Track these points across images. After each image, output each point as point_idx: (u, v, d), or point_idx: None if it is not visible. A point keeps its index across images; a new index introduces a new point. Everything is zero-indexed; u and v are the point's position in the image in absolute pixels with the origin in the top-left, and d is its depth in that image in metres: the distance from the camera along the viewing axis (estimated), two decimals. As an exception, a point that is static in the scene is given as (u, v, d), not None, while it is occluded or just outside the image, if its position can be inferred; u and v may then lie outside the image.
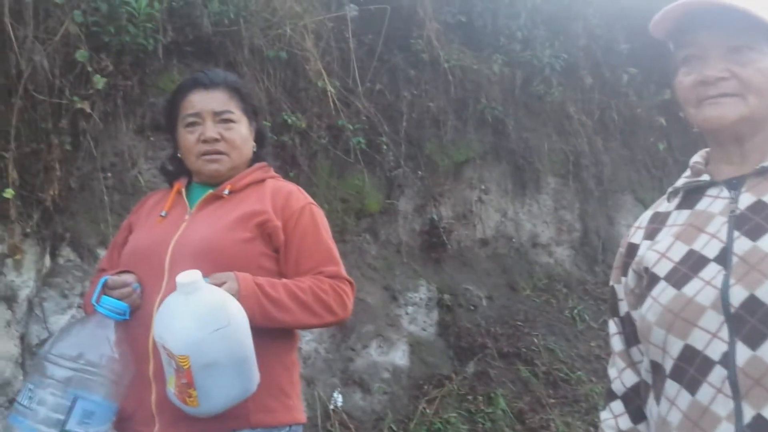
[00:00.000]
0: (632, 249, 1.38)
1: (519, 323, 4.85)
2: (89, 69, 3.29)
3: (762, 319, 1.11)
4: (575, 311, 5.10)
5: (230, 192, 1.92)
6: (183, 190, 1.97)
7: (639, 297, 1.32)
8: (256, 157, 2.03)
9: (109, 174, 3.40)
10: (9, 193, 2.95)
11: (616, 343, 1.41)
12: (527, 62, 5.40)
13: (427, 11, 4.94)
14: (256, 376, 1.69)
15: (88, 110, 3.28)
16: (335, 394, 3.82)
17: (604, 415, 1.44)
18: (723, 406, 1.13)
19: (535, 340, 4.71)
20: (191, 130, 1.93)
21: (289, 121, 4.04)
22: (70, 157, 3.26)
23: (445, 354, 4.50)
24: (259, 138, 2.06)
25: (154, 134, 3.54)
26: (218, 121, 1.92)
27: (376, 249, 4.51)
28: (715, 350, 1.14)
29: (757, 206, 1.21)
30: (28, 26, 3.15)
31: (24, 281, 3.03)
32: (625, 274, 1.39)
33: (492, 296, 4.94)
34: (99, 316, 1.72)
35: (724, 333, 1.14)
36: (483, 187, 5.20)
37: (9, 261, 3.00)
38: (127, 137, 3.48)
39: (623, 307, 1.39)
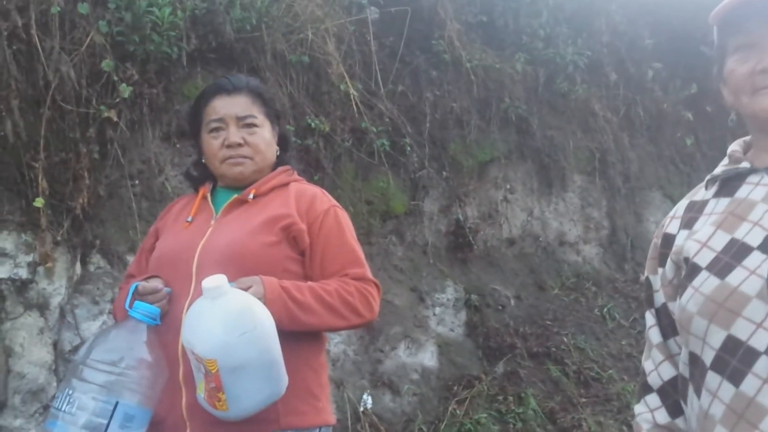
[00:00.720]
0: (668, 239, 1.36)
1: (548, 322, 4.81)
2: (115, 78, 3.33)
3: None
4: (605, 309, 5.04)
5: (255, 196, 1.93)
6: (208, 196, 1.99)
7: (677, 288, 1.30)
8: (280, 161, 2.05)
9: (137, 181, 3.44)
10: (39, 202, 3.00)
11: (654, 335, 1.39)
12: (550, 60, 5.37)
13: (447, 12, 4.93)
14: (284, 379, 1.70)
15: (115, 119, 3.32)
16: (365, 396, 3.82)
17: (639, 408, 1.40)
18: None
19: (565, 339, 4.67)
20: (215, 135, 1.94)
21: (313, 124, 4.05)
22: (98, 165, 3.30)
23: (473, 354, 4.48)
24: (282, 142, 2.08)
25: (180, 141, 3.57)
26: (241, 126, 1.94)
27: (402, 251, 4.51)
28: (761, 340, 1.12)
29: None
30: (54, 38, 3.20)
31: (56, 289, 3.07)
32: (661, 264, 1.36)
33: (520, 296, 4.91)
34: (132, 322, 1.74)
35: None
36: (508, 186, 5.17)
37: (41, 269, 3.05)
38: (154, 144, 3.52)
39: (659, 299, 1.37)
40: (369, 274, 1.93)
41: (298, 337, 1.79)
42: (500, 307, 4.74)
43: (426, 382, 4.13)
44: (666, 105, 6.01)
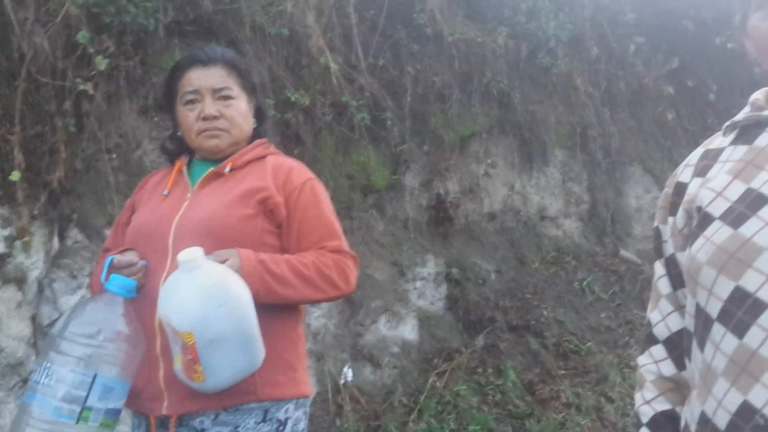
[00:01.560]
0: (681, 188, 1.31)
1: (528, 296, 4.86)
2: (91, 50, 3.29)
3: None
4: (584, 283, 5.10)
5: (231, 169, 1.91)
6: (185, 169, 1.97)
7: (687, 238, 1.26)
8: (257, 134, 2.03)
9: (114, 155, 3.41)
10: (15, 175, 2.97)
11: (663, 285, 1.35)
12: (532, 34, 5.35)
13: (429, -16, 4.89)
14: (261, 351, 1.70)
15: (91, 92, 3.29)
16: (345, 369, 3.85)
17: (642, 359, 1.38)
18: None
19: (545, 313, 4.72)
20: (191, 107, 1.92)
21: (293, 98, 4.03)
22: (75, 138, 3.27)
23: (454, 328, 4.52)
24: (259, 115, 2.06)
25: (158, 114, 3.54)
26: (217, 98, 1.92)
27: (383, 225, 4.51)
28: None
29: None
30: (28, 9, 3.15)
31: (33, 263, 3.05)
32: (672, 213, 1.32)
33: (500, 270, 4.94)
34: (109, 295, 1.74)
35: None
36: (489, 161, 5.18)
37: (18, 243, 3.03)
38: (131, 118, 3.48)
39: (668, 249, 1.33)
40: (346, 246, 1.93)
41: (275, 309, 1.79)
42: (481, 281, 4.77)
43: (406, 355, 4.16)
44: (647, 80, 6.02)
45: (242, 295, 1.64)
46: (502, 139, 5.27)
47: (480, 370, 4.24)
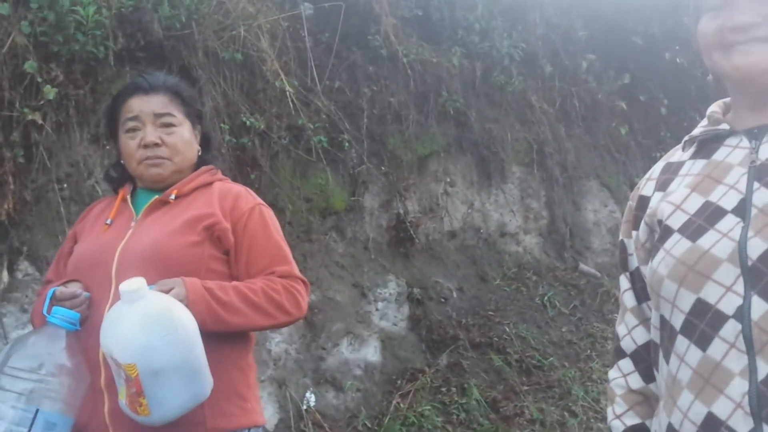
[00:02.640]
0: (643, 201, 1.33)
1: (490, 313, 4.87)
2: (39, 80, 3.24)
3: None
4: (545, 298, 5.13)
5: (177, 197, 1.89)
6: (128, 197, 1.95)
7: (650, 251, 1.27)
8: (202, 161, 2.01)
9: (65, 185, 3.35)
10: (-39, 209, 2.90)
11: (628, 299, 1.36)
12: (486, 53, 5.43)
13: (383, 6, 4.93)
14: (208, 381, 1.68)
15: (40, 121, 3.24)
16: (308, 394, 3.81)
17: (612, 374, 1.39)
18: (736, 362, 1.08)
19: (507, 329, 4.74)
20: (132, 135, 1.90)
21: (248, 122, 4.02)
22: (24, 169, 3.21)
23: (417, 348, 4.51)
24: (205, 142, 2.04)
25: (109, 142, 3.49)
26: (159, 125, 1.90)
27: (344, 247, 4.50)
28: (729, 304, 1.10)
29: None
30: (-27, 39, 3.10)
31: (-18, 298, 2.98)
32: (635, 227, 1.33)
33: (462, 288, 4.95)
34: (51, 327, 1.70)
35: (740, 286, 1.09)
36: (448, 179, 5.21)
37: (-35, 278, 2.96)
38: (82, 147, 3.43)
39: (633, 263, 1.35)
40: (296, 271, 1.91)
41: (223, 338, 1.77)
42: (443, 300, 4.78)
43: (369, 377, 4.14)
44: (600, 95, 6.14)
45: (187, 324, 1.62)
46: (460, 158, 5.31)
47: (444, 389, 4.23)
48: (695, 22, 1.27)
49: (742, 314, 1.08)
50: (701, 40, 1.25)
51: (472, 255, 5.22)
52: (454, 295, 4.87)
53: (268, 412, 3.63)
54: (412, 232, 4.80)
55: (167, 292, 1.66)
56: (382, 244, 4.73)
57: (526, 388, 4.39)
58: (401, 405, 4.03)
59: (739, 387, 1.07)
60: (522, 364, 4.56)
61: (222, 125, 3.92)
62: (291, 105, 4.25)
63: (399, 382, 4.21)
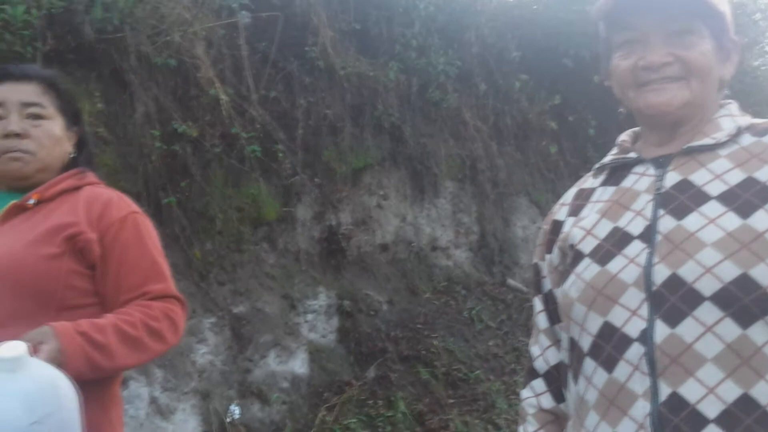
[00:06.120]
0: (557, 226, 1.37)
1: (419, 326, 4.93)
2: (-40, 78, 3.13)
3: (683, 298, 1.10)
4: (473, 312, 5.22)
5: (38, 202, 1.66)
6: None
7: (562, 274, 1.31)
8: (74, 165, 1.78)
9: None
10: None
11: (541, 320, 1.39)
12: (422, 69, 5.50)
13: (321, 19, 4.95)
14: None
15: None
16: (232, 407, 3.77)
17: (524, 393, 1.42)
18: (639, 384, 1.12)
19: (435, 342, 4.80)
20: None
21: (180, 129, 3.96)
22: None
23: (345, 360, 4.52)
24: (81, 144, 1.82)
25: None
26: (26, 115, 1.68)
27: (275, 257, 4.48)
28: (634, 327, 1.13)
29: (682, 185, 1.20)
30: None
31: None
32: (549, 251, 1.37)
33: (392, 300, 4.99)
34: None
35: (644, 311, 1.13)
36: (382, 192, 5.25)
37: None
38: None
39: (546, 285, 1.38)
40: (173, 289, 1.70)
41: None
42: (372, 313, 4.81)
43: (296, 389, 4.13)
44: (532, 115, 6.30)
45: (70, 398, 1.40)
46: (394, 171, 5.36)
47: (371, 402, 4.25)
48: (606, 54, 1.31)
49: (645, 338, 1.12)
50: (615, 78, 1.29)
51: (403, 268, 5.27)
52: (384, 307, 4.90)
53: (190, 425, 3.57)
54: (343, 244, 4.82)
55: (37, 345, 1.42)
56: (314, 256, 4.73)
57: (452, 401, 4.45)
58: (327, 418, 4.03)
59: (642, 408, 1.11)
60: (448, 377, 4.62)
61: (153, 131, 3.85)
62: (225, 113, 4.21)
63: (326, 394, 4.21)
